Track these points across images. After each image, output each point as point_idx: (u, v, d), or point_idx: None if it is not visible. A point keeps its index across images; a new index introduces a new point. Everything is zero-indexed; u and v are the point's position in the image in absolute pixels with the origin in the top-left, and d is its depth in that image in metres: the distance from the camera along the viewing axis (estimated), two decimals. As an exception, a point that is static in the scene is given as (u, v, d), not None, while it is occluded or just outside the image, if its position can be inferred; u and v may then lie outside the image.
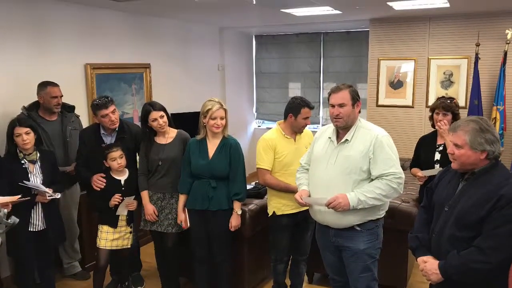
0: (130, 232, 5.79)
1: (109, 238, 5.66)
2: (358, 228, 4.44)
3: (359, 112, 4.55)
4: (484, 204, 3.50)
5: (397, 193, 4.37)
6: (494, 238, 3.45)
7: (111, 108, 5.78)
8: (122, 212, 5.66)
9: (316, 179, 4.64)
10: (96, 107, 5.78)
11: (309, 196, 4.64)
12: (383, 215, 4.59)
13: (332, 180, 4.43)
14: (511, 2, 7.30)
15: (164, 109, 5.68)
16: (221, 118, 5.36)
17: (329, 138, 4.62)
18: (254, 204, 6.04)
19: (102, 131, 5.98)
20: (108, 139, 5.97)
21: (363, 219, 4.42)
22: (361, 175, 4.36)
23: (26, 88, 6.36)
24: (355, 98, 4.45)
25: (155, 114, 5.58)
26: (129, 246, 5.87)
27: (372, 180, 4.36)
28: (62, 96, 6.29)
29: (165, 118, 5.66)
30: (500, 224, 3.43)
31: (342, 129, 4.52)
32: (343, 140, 4.47)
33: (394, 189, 4.29)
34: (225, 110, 5.41)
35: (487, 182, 3.59)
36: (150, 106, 5.63)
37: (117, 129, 5.98)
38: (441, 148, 5.92)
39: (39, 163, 5.49)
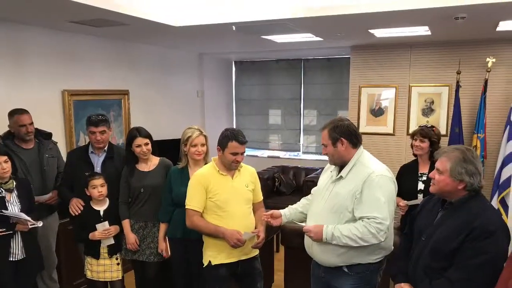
0: (118, 264, 5.73)
1: (94, 269, 5.64)
2: (345, 270, 4.34)
3: (354, 148, 4.35)
4: (458, 235, 3.57)
5: (375, 239, 4.09)
6: (464, 270, 3.52)
7: (101, 128, 5.83)
8: (108, 242, 5.63)
9: (311, 211, 4.62)
10: (87, 121, 5.89)
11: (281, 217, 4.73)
12: (378, 261, 4.39)
13: (321, 215, 4.39)
14: (491, 30, 7.40)
15: (150, 137, 5.71)
16: (202, 145, 5.39)
17: (331, 172, 4.56)
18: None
19: (90, 150, 6.03)
20: (96, 159, 6.01)
21: (349, 261, 4.30)
22: (346, 215, 4.22)
23: (2, 115, 6.27)
24: (334, 137, 4.31)
25: (140, 141, 5.60)
26: (120, 278, 5.80)
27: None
28: (31, 123, 6.18)
29: (149, 146, 5.68)
30: (471, 256, 3.49)
31: (344, 165, 4.39)
32: (338, 176, 4.39)
33: (372, 234, 4.06)
34: (205, 136, 5.44)
35: (463, 214, 3.66)
36: (137, 132, 5.65)
37: (106, 150, 6.04)
38: (424, 178, 5.96)
39: (16, 192, 5.43)
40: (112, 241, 5.63)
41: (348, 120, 4.43)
